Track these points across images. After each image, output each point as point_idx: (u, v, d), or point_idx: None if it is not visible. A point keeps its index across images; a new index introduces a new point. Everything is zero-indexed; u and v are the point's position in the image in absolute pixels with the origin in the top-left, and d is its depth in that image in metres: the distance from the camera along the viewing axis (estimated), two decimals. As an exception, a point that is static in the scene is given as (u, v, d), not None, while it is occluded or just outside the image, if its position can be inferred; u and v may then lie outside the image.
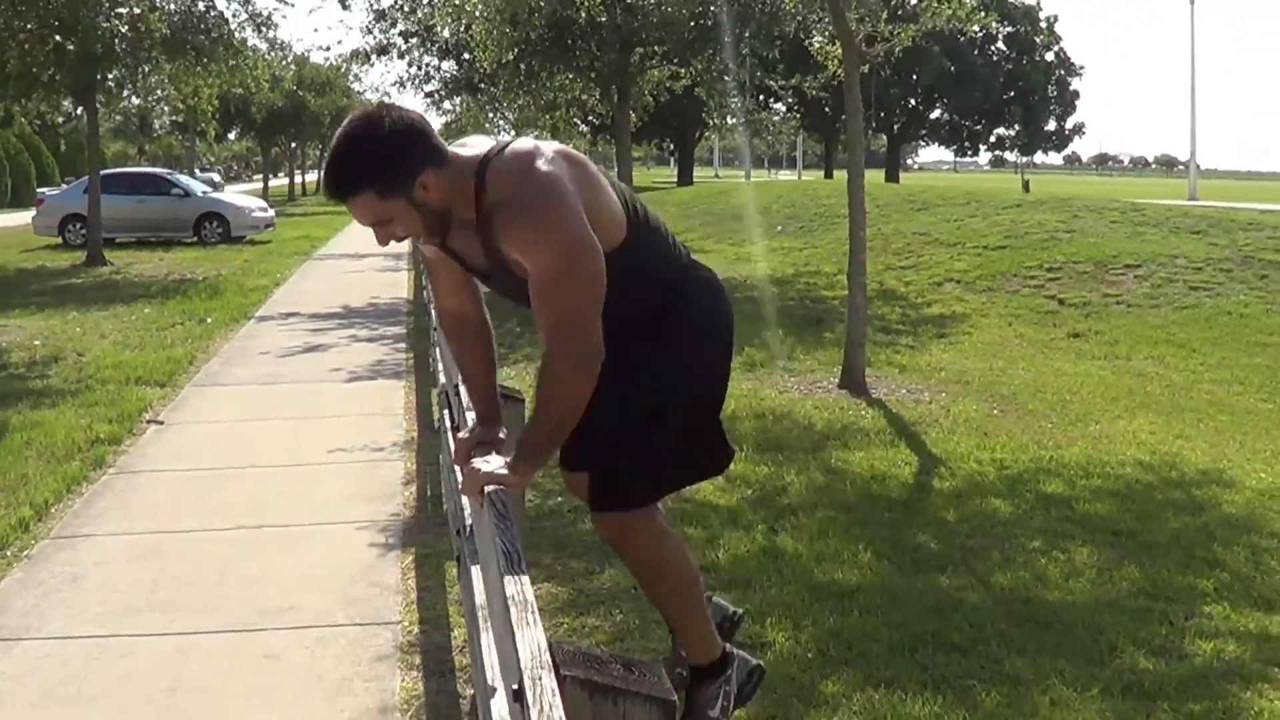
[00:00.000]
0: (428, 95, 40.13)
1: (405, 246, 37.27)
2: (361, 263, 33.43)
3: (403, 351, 17.65)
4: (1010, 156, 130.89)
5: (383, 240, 4.31)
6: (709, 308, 4.99)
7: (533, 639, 2.92)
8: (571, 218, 4.25)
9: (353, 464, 11.32)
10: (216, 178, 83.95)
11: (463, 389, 5.44)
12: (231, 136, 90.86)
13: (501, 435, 5.01)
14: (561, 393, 4.33)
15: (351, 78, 62.68)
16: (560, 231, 4.23)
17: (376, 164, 4.12)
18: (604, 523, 4.98)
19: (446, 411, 7.54)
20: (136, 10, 28.27)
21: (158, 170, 49.75)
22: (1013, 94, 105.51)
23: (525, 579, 3.40)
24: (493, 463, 4.41)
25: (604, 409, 4.49)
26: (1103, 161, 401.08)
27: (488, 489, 4.25)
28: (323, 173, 4.18)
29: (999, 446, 11.71)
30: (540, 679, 2.69)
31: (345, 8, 34.74)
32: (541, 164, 4.30)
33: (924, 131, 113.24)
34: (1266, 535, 9.16)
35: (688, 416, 4.93)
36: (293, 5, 66.87)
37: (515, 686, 2.88)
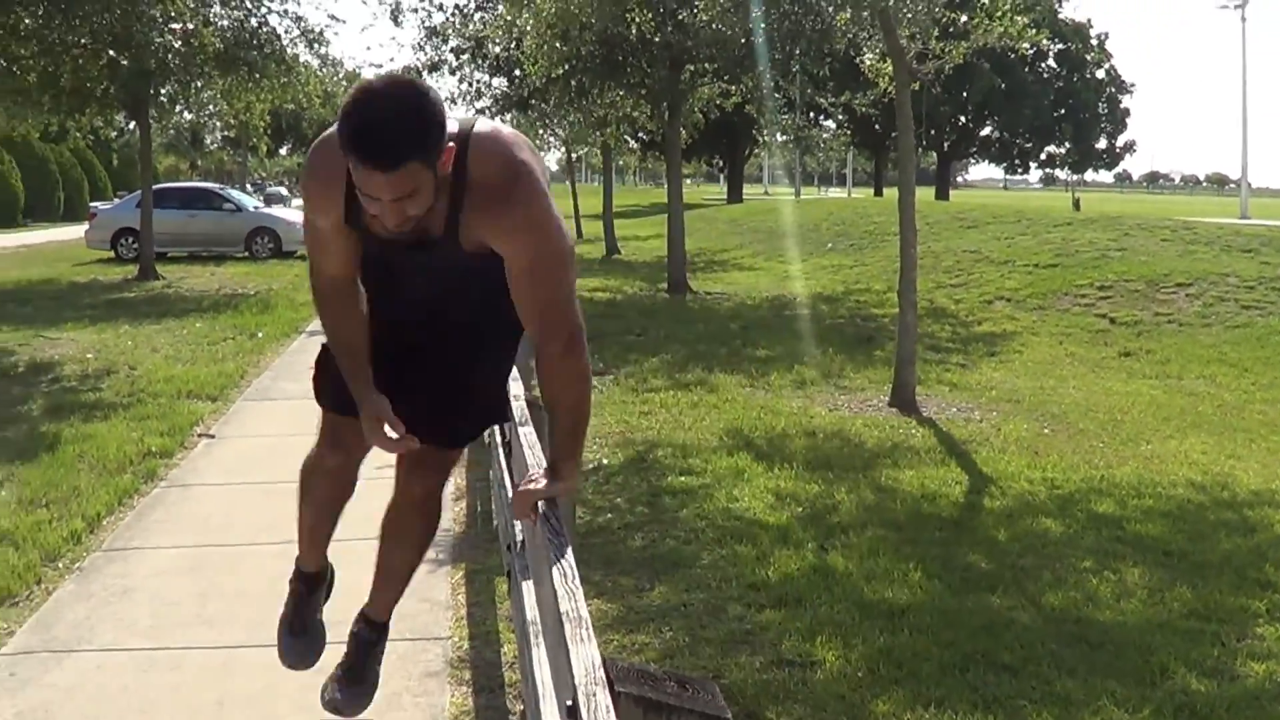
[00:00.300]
0: (479, 112, 40.25)
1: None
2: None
3: (452, 366, 17.63)
4: (1061, 174, 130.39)
5: (395, 218, 3.98)
6: None
7: (587, 655, 2.91)
8: (555, 207, 4.25)
9: (403, 480, 11.32)
10: (284, 190, 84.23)
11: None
12: (283, 151, 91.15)
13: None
14: (587, 389, 4.36)
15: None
16: (555, 218, 4.21)
17: (430, 131, 3.91)
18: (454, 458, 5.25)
19: (497, 427, 7.54)
20: (190, 25, 28.40)
21: (210, 185, 49.93)
22: (1063, 111, 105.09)
23: (580, 595, 3.39)
24: (539, 482, 4.33)
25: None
26: (1154, 179, 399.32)
27: (541, 507, 4.23)
28: (363, 138, 3.81)
29: (1050, 466, 11.67)
30: (595, 695, 2.69)
31: (397, 24, 34.95)
32: (527, 153, 4.24)
33: (974, 149, 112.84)
34: (1321, 557, 9.11)
35: None
36: (344, 22, 67.26)
37: (570, 703, 2.88)
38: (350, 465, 5.26)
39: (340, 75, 58.95)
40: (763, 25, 23.43)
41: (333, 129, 4.06)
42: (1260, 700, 6.57)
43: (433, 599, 8.11)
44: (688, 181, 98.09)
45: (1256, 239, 26.98)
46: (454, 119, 4.15)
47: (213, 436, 13.18)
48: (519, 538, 5.87)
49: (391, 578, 5.59)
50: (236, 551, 9.16)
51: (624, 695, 2.71)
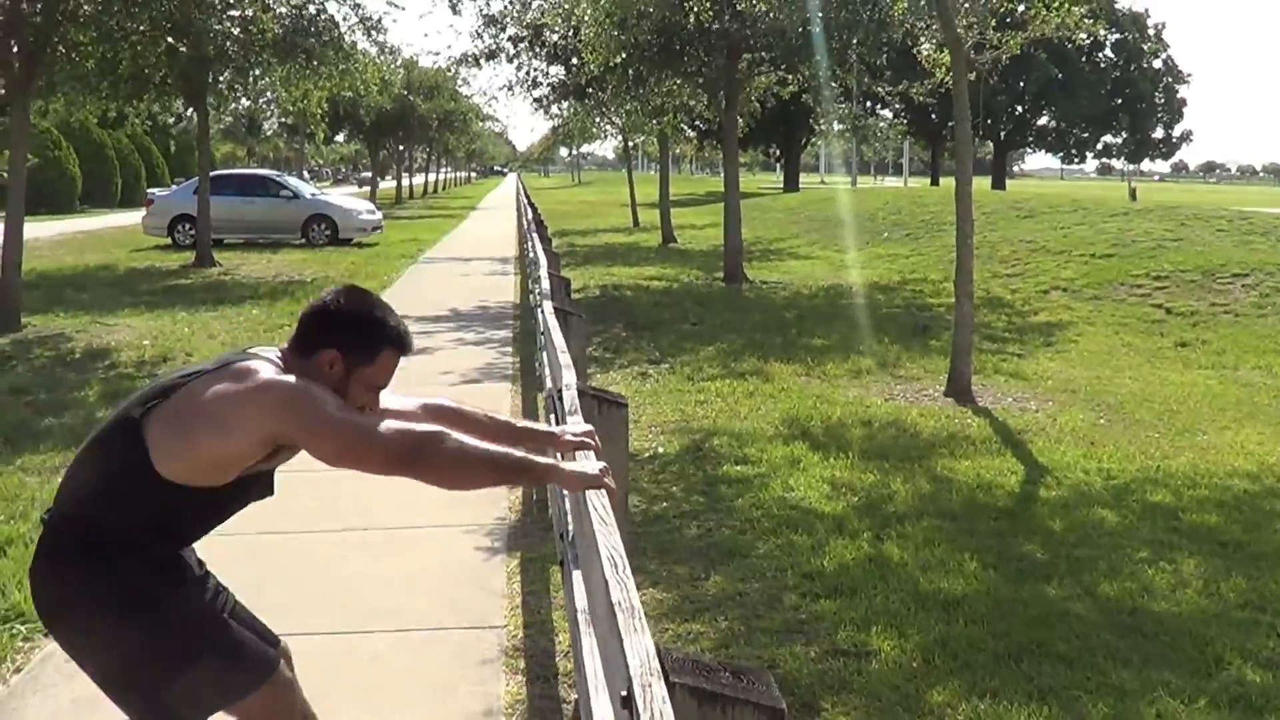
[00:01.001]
0: (536, 100, 40.37)
1: (513, 250, 37.43)
2: (468, 265, 33.54)
3: (510, 355, 17.67)
4: (1117, 164, 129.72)
5: (375, 405, 4.56)
6: None
7: (641, 646, 2.92)
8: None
9: (459, 467, 11.33)
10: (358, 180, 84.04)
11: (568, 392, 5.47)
12: (340, 139, 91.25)
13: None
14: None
15: (460, 81, 62.86)
16: None
17: None
18: None
19: (552, 416, 7.57)
20: (249, 13, 28.41)
21: (267, 172, 50.01)
22: (1120, 101, 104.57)
23: (631, 584, 3.40)
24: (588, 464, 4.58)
25: None
26: (1210, 170, 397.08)
27: (590, 495, 4.29)
28: (406, 329, 4.54)
29: (1105, 456, 11.65)
30: (650, 686, 2.69)
31: (456, 12, 35.01)
32: None
33: (1031, 138, 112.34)
34: (1377, 547, 9.07)
35: None
36: (403, 9, 67.08)
37: (624, 693, 2.89)
38: None
39: (398, 63, 58.90)
40: (820, 14, 23.40)
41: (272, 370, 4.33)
42: (1316, 692, 6.55)
43: (489, 587, 8.14)
44: (744, 170, 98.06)
45: (1315, 229, 26.85)
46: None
47: (270, 424, 13.21)
48: (571, 527, 5.88)
49: None
50: (294, 539, 9.18)
51: (679, 686, 2.71)
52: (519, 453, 4.39)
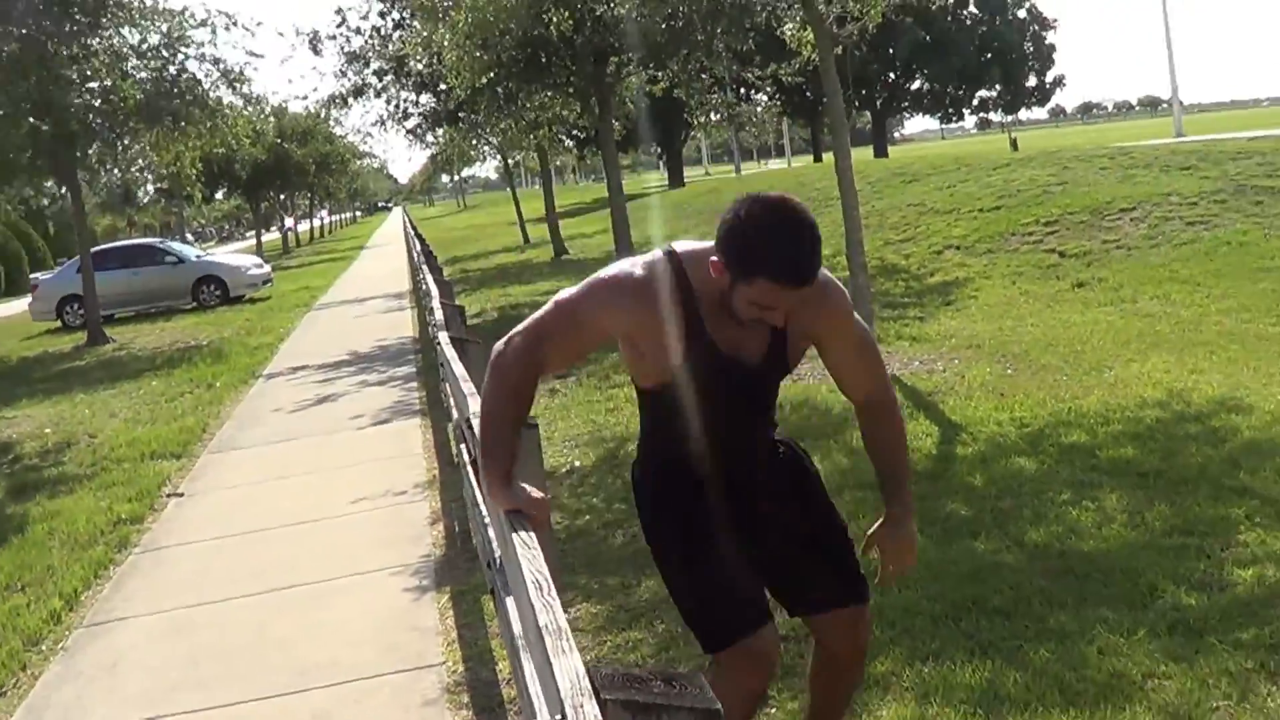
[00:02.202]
0: (409, 131, 40.30)
1: (406, 284, 37.32)
2: (364, 306, 33.48)
3: (415, 391, 17.61)
4: (995, 117, 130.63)
5: (779, 322, 4.33)
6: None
7: (570, 667, 2.90)
8: None
9: (377, 510, 11.31)
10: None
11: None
12: (219, 196, 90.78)
13: None
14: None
15: (332, 122, 62.66)
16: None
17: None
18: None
19: (463, 445, 7.53)
20: (108, 82, 28.24)
21: (149, 240, 49.91)
22: (990, 55, 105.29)
23: (557, 606, 3.38)
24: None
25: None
26: (1087, 110, 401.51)
27: (505, 514, 4.29)
28: (800, 258, 4.17)
29: (1017, 405, 11.71)
30: (581, 706, 2.68)
31: (317, 54, 34.84)
32: None
33: (907, 103, 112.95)
34: (1291, 457, 9.17)
35: None
36: (263, 57, 66.91)
37: (559, 717, 2.87)
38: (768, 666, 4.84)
39: (267, 112, 58.68)
40: (682, 9, 23.43)
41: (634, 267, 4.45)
42: (1252, 606, 6.59)
43: (422, 626, 8.11)
44: (627, 172, 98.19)
45: (1193, 155, 27.07)
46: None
47: (181, 495, 13.11)
48: (497, 554, 5.85)
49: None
50: (219, 608, 9.11)
51: (610, 702, 2.69)
52: (501, 450, 4.40)
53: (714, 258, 4.22)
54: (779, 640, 4.89)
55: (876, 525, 4.90)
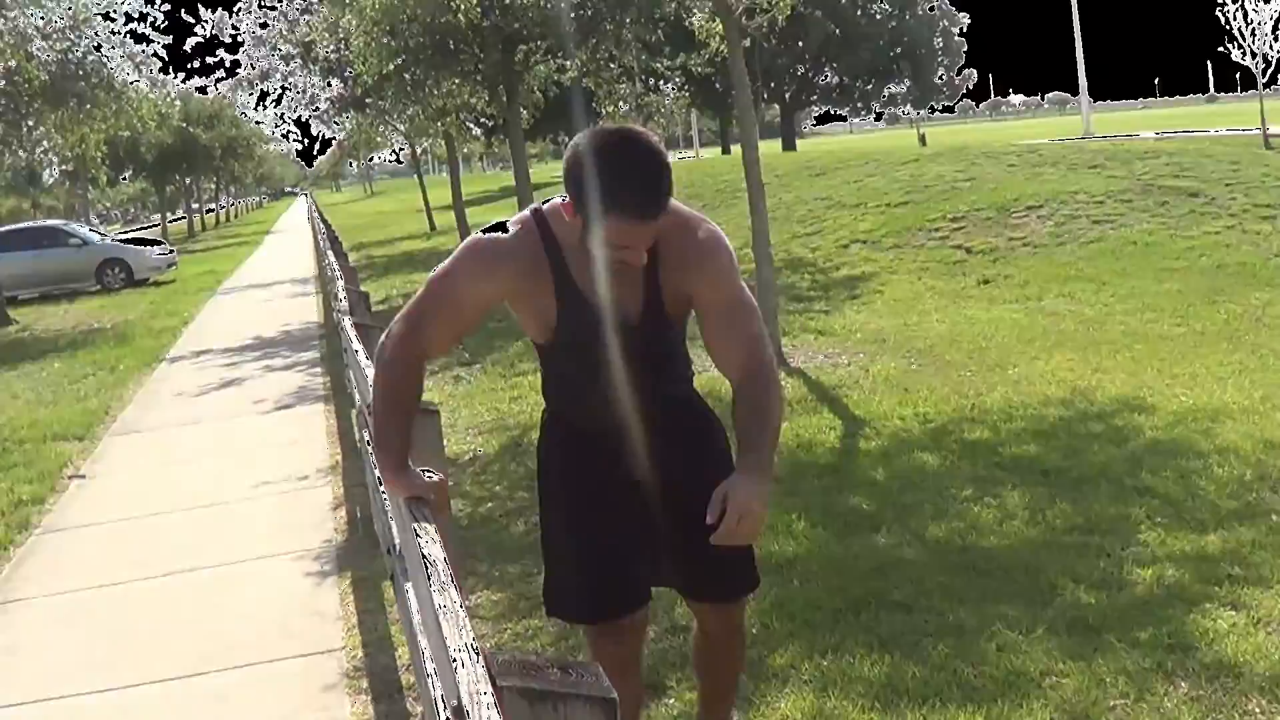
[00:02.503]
0: (316, 115, 40.02)
1: (311, 270, 37.13)
2: (269, 290, 33.26)
3: (319, 376, 17.51)
4: (903, 113, 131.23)
5: (636, 261, 4.16)
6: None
7: (467, 651, 2.89)
8: None
9: (280, 495, 11.24)
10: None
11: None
12: (125, 179, 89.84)
13: None
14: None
15: (239, 108, 62.21)
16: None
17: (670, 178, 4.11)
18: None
19: (365, 431, 7.49)
20: (12, 63, 27.93)
21: (54, 222, 49.49)
22: (899, 50, 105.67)
23: (453, 590, 3.36)
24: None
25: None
26: (996, 107, 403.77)
27: (404, 501, 4.27)
28: (640, 190, 4.01)
29: (920, 401, 11.76)
30: (478, 693, 2.66)
31: (234, 52, 34.60)
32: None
33: (815, 97, 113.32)
34: (1192, 457, 9.26)
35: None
36: (169, 40, 66.22)
37: (455, 703, 2.85)
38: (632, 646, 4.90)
39: (173, 95, 58.21)
40: (589, -1, 23.42)
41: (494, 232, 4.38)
42: (1150, 605, 6.64)
43: (321, 611, 8.06)
44: (535, 161, 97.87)
45: (1100, 154, 27.32)
46: None
47: (83, 477, 12.98)
48: (397, 541, 5.83)
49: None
50: (120, 590, 9.02)
51: (507, 689, 2.68)
52: (393, 440, 4.39)
53: (562, 199, 4.16)
54: (649, 615, 4.94)
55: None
